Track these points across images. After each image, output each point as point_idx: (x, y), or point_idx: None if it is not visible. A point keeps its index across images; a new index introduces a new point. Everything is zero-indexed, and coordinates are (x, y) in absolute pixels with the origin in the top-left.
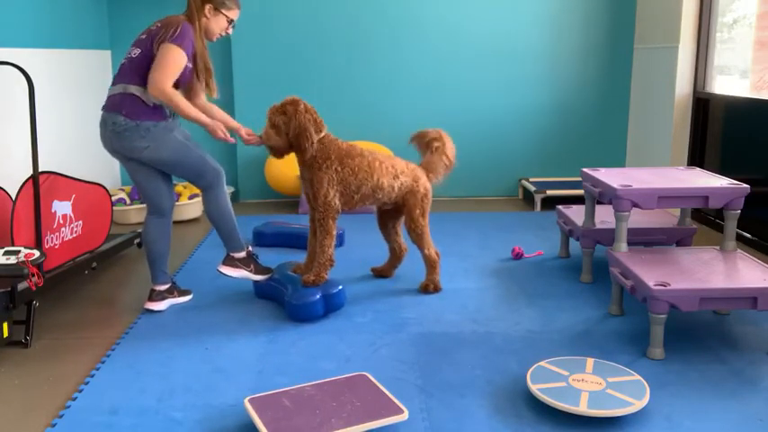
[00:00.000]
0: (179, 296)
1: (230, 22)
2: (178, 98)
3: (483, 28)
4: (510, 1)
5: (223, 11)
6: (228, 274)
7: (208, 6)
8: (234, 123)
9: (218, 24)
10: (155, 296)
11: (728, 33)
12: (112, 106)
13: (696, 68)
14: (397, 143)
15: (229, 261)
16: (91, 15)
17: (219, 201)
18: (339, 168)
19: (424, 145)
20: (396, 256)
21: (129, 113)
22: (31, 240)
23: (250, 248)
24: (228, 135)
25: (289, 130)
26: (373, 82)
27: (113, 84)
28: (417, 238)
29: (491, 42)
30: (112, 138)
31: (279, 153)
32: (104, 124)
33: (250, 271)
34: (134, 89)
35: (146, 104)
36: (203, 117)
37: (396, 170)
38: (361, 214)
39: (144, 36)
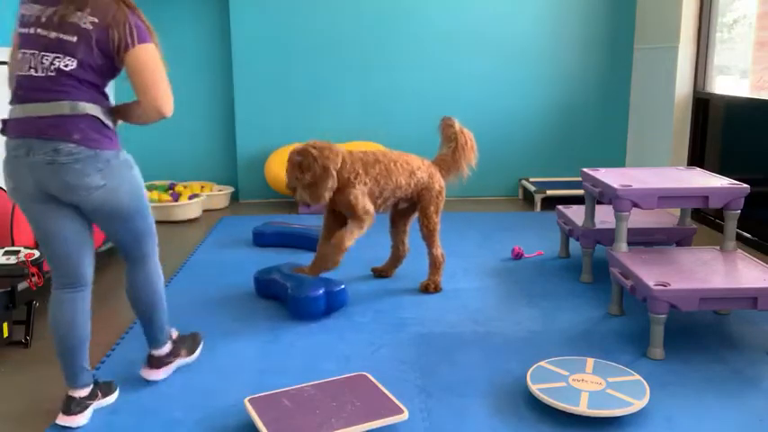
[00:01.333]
0: (103, 396)
1: None
2: None
3: (483, 28)
4: (510, 1)
5: None
6: (159, 378)
7: None
8: None
9: None
10: (73, 406)
11: (728, 33)
12: (48, 130)
13: (696, 68)
14: (398, 144)
15: (155, 362)
16: None
17: (154, 275)
18: (367, 180)
19: (446, 138)
20: (397, 256)
21: (83, 139)
22: (31, 240)
23: (175, 334)
24: None
25: (313, 175)
26: (373, 82)
27: (37, 99)
28: (429, 234)
29: (491, 42)
30: (49, 172)
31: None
32: (29, 153)
33: (184, 356)
34: (91, 108)
35: (107, 127)
36: None
37: (411, 166)
38: None
39: (74, 38)
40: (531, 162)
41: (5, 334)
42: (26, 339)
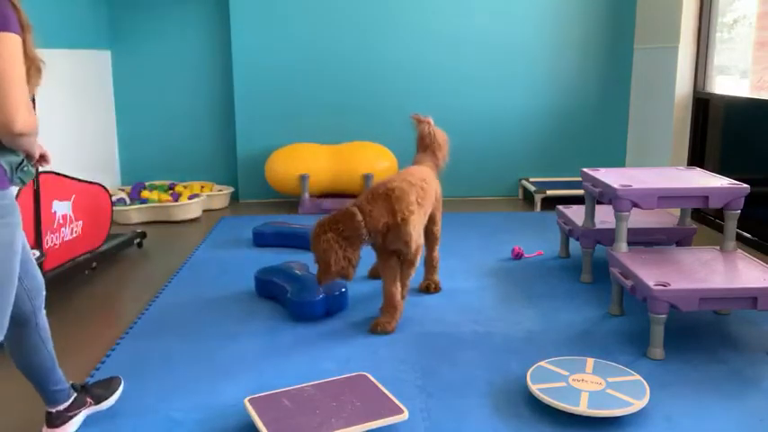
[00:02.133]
0: (96, 402)
1: None
2: (35, 133)
3: (483, 28)
4: (510, 1)
5: None
6: None
7: None
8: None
9: None
10: (53, 419)
11: (728, 33)
12: None
13: (696, 68)
14: (398, 144)
15: (53, 419)
16: (91, 15)
17: (38, 336)
18: (413, 211)
19: (423, 136)
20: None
21: None
22: (31, 240)
23: (72, 386)
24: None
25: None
26: (373, 83)
27: None
28: (435, 239)
29: (491, 42)
30: None
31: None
32: None
33: (91, 405)
34: None
35: None
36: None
37: (426, 179)
38: None
39: None
40: (531, 162)
41: None
42: None
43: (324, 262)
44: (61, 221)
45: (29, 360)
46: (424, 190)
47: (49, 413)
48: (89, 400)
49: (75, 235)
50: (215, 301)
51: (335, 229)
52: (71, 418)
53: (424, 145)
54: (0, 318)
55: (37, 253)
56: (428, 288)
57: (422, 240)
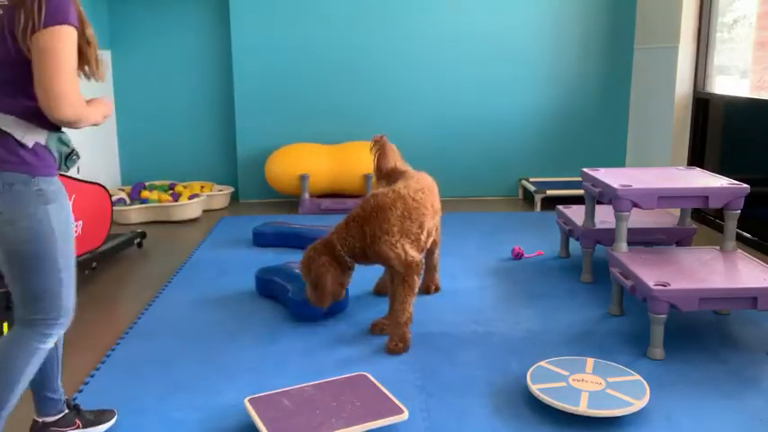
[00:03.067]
0: (84, 426)
1: None
2: (87, 107)
3: (482, 28)
4: (510, 1)
5: None
6: None
7: None
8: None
9: None
10: (35, 430)
11: (728, 33)
12: None
13: (696, 68)
14: (399, 145)
15: (40, 431)
16: (91, 15)
17: (26, 355)
18: (397, 224)
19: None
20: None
21: None
22: None
23: (66, 397)
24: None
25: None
26: (373, 83)
27: None
28: (434, 244)
29: (491, 42)
30: None
31: (337, 289)
32: None
33: (78, 427)
34: (6, 120)
35: (19, 144)
36: (95, 112)
37: (424, 185)
38: None
39: None
40: (531, 162)
41: (5, 334)
42: None
43: (320, 286)
44: None
45: None
46: (417, 201)
47: (35, 422)
48: (78, 421)
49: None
50: (215, 300)
51: (330, 254)
52: None
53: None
54: (66, 299)
55: None
56: (428, 289)
57: (412, 257)
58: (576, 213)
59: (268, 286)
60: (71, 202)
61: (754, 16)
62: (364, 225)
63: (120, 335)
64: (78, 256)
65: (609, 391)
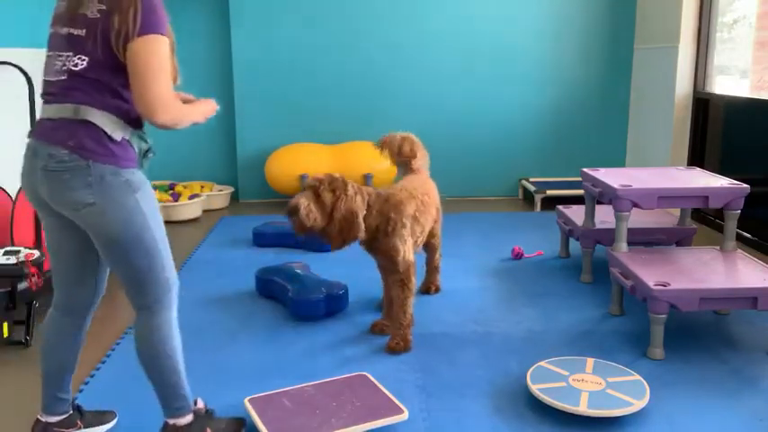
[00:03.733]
0: (84, 426)
1: None
2: (184, 109)
3: (483, 28)
4: (510, 1)
5: None
6: None
7: None
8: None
9: None
10: (37, 430)
11: (728, 33)
12: (51, 134)
13: (696, 68)
14: None
15: (43, 430)
16: None
17: (162, 332)
18: (406, 223)
19: (396, 155)
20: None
21: (78, 145)
22: (31, 240)
23: (200, 403)
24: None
25: (334, 211)
26: (373, 83)
27: (51, 102)
28: (435, 248)
29: (491, 42)
30: (42, 179)
31: (322, 234)
32: (34, 156)
33: (80, 428)
34: (93, 113)
35: (109, 138)
36: (192, 112)
37: (428, 189)
38: None
39: (82, 31)
40: (531, 162)
41: (5, 334)
42: (26, 339)
43: (348, 222)
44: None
45: (57, 351)
46: (425, 204)
47: (37, 421)
48: (79, 422)
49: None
50: (215, 300)
51: (362, 194)
52: None
53: (404, 160)
54: (170, 272)
55: (37, 253)
56: (428, 290)
57: (412, 258)
58: (576, 213)
59: (268, 286)
60: None
61: (754, 16)
62: (390, 209)
63: (120, 335)
64: None
65: (609, 391)
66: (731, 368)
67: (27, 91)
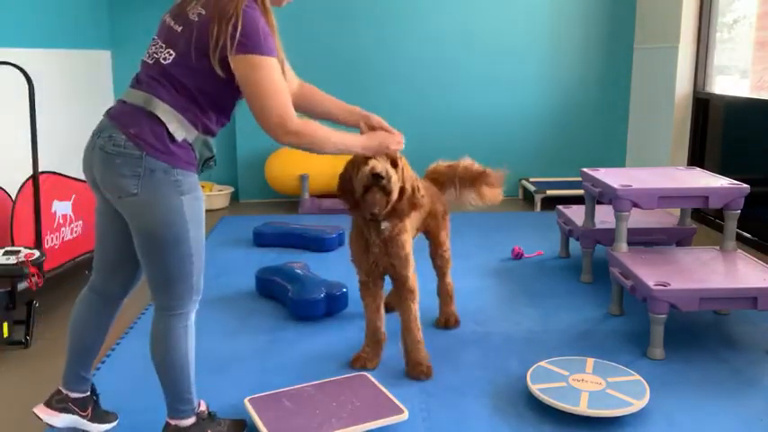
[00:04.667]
0: (91, 419)
1: None
2: (320, 131)
3: (483, 28)
4: (510, 1)
5: None
6: None
7: None
8: (365, 114)
9: None
10: (54, 402)
11: (728, 33)
12: (119, 116)
13: (696, 68)
14: None
15: (58, 402)
16: (91, 15)
17: (178, 334)
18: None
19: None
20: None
21: (137, 134)
22: (31, 240)
23: (203, 406)
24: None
25: (403, 182)
26: (372, 83)
27: (134, 86)
28: (446, 262)
29: (491, 42)
30: (98, 158)
31: (382, 203)
32: (98, 133)
33: (86, 417)
34: (162, 109)
35: (169, 136)
36: (356, 141)
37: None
38: None
39: (179, 28)
40: (531, 162)
41: (5, 334)
42: (26, 339)
43: (414, 195)
44: (61, 221)
45: (86, 330)
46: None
47: (58, 391)
48: (90, 409)
49: (75, 235)
50: (215, 300)
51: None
52: (69, 411)
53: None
54: (197, 281)
55: (37, 253)
56: (447, 323)
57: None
58: (576, 213)
59: (268, 286)
60: (71, 202)
61: (754, 16)
62: (436, 203)
63: (121, 335)
64: (78, 256)
65: (609, 391)
66: (731, 368)
67: (27, 91)
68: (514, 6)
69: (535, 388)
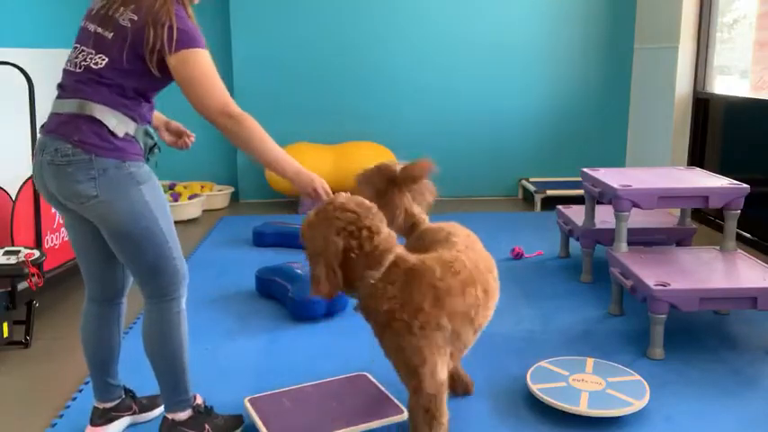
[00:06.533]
0: (140, 411)
1: None
2: (259, 128)
3: (483, 28)
4: (510, 1)
5: None
6: None
7: None
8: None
9: None
10: (96, 417)
11: (728, 33)
12: (58, 128)
13: (696, 68)
14: (399, 145)
15: (101, 417)
16: None
17: (171, 322)
18: (443, 319)
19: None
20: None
21: (81, 140)
22: (31, 240)
23: (199, 399)
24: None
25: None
26: (373, 83)
27: (61, 96)
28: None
29: (491, 42)
30: (49, 173)
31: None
32: (42, 150)
33: (135, 413)
34: (98, 110)
35: (111, 134)
36: (293, 162)
37: (483, 255)
38: None
39: (110, 34)
40: (531, 162)
41: (5, 334)
42: (26, 339)
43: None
44: (61, 221)
45: (101, 340)
46: (488, 293)
47: (95, 409)
48: (134, 406)
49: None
50: (215, 300)
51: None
52: (116, 419)
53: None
54: (179, 263)
55: (36, 253)
56: (458, 389)
57: (444, 377)
58: (576, 213)
59: (268, 286)
60: None
61: (754, 16)
62: (423, 298)
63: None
64: None
65: (609, 391)
66: (731, 368)
67: (27, 91)
68: (514, 6)
69: (535, 388)
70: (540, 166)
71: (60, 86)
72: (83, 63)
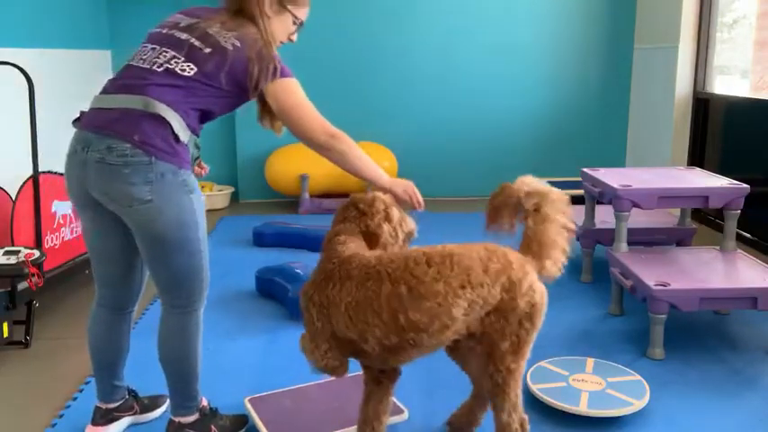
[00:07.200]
0: (142, 412)
1: (298, 23)
2: (353, 143)
3: (483, 28)
4: (510, 1)
5: (290, 7)
6: None
7: (269, 1)
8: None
9: (283, 26)
10: (98, 417)
11: (728, 33)
12: (109, 125)
13: (696, 68)
14: (399, 144)
15: (103, 416)
16: (91, 15)
17: (190, 332)
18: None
19: (510, 210)
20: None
21: (143, 140)
22: (31, 240)
23: (204, 401)
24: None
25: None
26: (373, 82)
27: (120, 91)
28: (498, 390)
29: (491, 42)
30: (97, 172)
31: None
32: (86, 147)
33: (137, 413)
34: (165, 110)
35: (174, 137)
36: (383, 173)
37: (468, 276)
38: None
39: (208, 49)
40: (531, 162)
41: (5, 334)
42: (26, 339)
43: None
44: (61, 221)
45: (109, 344)
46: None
47: (97, 408)
48: (136, 406)
49: (75, 235)
50: (215, 300)
51: None
52: (117, 419)
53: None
54: (206, 275)
55: (36, 253)
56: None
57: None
58: (576, 213)
59: (268, 286)
60: (71, 202)
61: (754, 16)
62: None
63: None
64: (78, 256)
65: (609, 391)
66: (731, 368)
67: (27, 91)
68: (514, 6)
69: (535, 388)
70: (540, 166)
71: (120, 83)
72: (166, 65)
